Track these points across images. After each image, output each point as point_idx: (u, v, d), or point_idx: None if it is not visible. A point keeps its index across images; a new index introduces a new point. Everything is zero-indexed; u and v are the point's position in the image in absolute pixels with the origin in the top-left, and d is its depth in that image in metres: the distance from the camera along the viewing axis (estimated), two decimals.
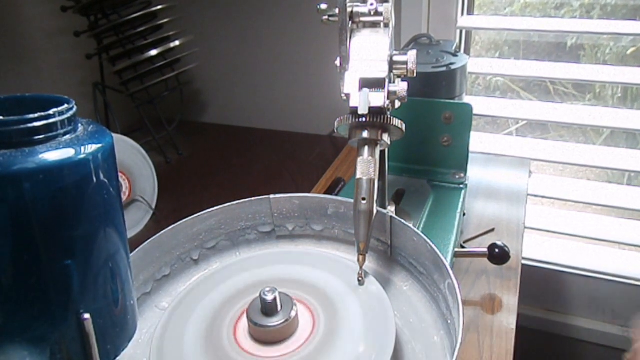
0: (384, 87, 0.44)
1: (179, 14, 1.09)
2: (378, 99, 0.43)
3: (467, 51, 1.12)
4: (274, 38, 1.18)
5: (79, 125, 0.31)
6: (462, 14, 1.04)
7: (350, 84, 0.44)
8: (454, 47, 0.79)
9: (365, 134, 0.45)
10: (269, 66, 1.22)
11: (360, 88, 0.44)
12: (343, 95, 0.45)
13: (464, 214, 0.77)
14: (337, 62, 0.47)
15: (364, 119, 0.44)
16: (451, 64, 0.73)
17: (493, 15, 1.09)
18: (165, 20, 1.06)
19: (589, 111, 0.99)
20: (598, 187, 1.05)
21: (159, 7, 1.04)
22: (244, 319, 0.42)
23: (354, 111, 0.44)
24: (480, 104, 1.05)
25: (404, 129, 0.45)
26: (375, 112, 0.44)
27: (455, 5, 1.00)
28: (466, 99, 0.78)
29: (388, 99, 0.44)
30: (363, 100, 0.42)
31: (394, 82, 0.48)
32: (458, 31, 1.04)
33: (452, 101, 0.73)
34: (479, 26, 1.02)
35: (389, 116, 0.44)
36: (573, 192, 1.04)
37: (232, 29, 1.21)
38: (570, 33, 1.03)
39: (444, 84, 0.73)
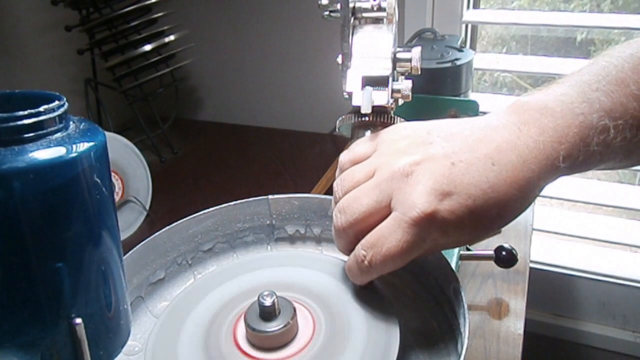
0: (387, 85, 0.43)
1: (174, 8, 1.07)
2: (381, 97, 0.42)
3: (472, 46, 1.11)
4: (272, 33, 1.17)
5: (70, 123, 0.30)
6: (468, 7, 1.03)
7: (352, 82, 0.43)
8: (459, 42, 0.79)
9: (368, 134, 0.44)
10: (268, 62, 1.21)
11: (363, 86, 0.43)
12: (345, 93, 0.44)
13: None
14: (339, 60, 0.46)
15: (367, 118, 0.43)
16: (456, 59, 0.73)
17: (500, 9, 1.08)
18: (160, 14, 1.04)
19: None
20: (609, 187, 1.04)
21: (153, 0, 1.02)
22: (242, 324, 0.40)
23: (357, 110, 0.43)
24: (486, 101, 1.03)
25: None
26: (378, 110, 0.43)
27: None
28: (472, 95, 0.78)
29: (391, 97, 0.44)
30: (366, 99, 0.42)
31: (397, 80, 0.47)
32: (463, 26, 1.03)
33: (457, 98, 0.73)
34: (485, 20, 1.01)
35: (393, 115, 0.44)
36: (582, 193, 1.02)
37: (229, 23, 1.20)
38: (579, 27, 1.03)
39: (449, 81, 0.72)
